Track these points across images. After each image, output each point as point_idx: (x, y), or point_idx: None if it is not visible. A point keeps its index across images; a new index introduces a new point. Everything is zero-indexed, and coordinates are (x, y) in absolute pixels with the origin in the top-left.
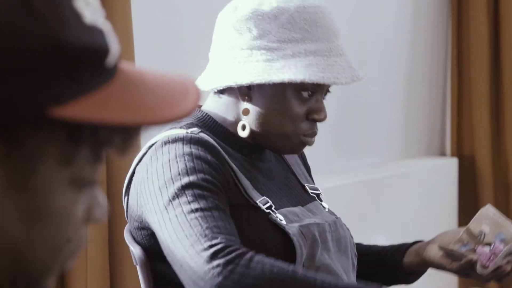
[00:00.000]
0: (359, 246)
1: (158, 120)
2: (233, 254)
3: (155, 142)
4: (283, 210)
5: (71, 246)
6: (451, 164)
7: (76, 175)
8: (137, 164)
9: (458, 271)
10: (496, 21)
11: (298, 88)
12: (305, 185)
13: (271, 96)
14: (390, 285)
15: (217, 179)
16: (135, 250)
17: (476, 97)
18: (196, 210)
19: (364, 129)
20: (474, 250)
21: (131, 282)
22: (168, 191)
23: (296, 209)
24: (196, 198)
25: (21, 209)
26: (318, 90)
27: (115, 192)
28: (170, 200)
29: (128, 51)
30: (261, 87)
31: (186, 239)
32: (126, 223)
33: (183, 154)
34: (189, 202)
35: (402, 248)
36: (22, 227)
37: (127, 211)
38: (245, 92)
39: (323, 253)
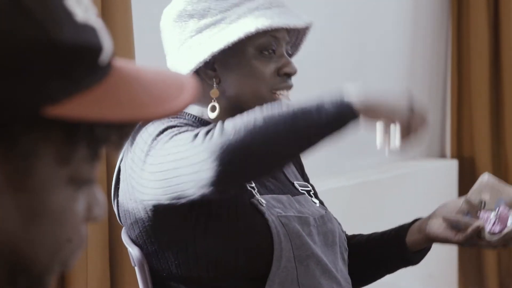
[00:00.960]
0: (359, 237)
1: (152, 116)
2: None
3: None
4: (267, 196)
5: (71, 245)
6: (451, 166)
7: (74, 174)
8: (120, 162)
9: (464, 242)
10: (496, 21)
11: (257, 48)
12: (294, 182)
13: (236, 65)
14: (396, 269)
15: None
16: (133, 251)
17: (476, 98)
18: (176, 134)
19: (364, 130)
20: (477, 218)
21: (131, 282)
22: (151, 139)
23: (284, 197)
24: (174, 132)
25: (19, 209)
26: (277, 45)
27: None
28: (153, 140)
29: (128, 51)
30: (224, 63)
31: (177, 148)
32: None
33: (161, 122)
34: (170, 136)
35: (403, 228)
36: (21, 227)
37: (119, 213)
38: (212, 74)
39: (311, 244)
